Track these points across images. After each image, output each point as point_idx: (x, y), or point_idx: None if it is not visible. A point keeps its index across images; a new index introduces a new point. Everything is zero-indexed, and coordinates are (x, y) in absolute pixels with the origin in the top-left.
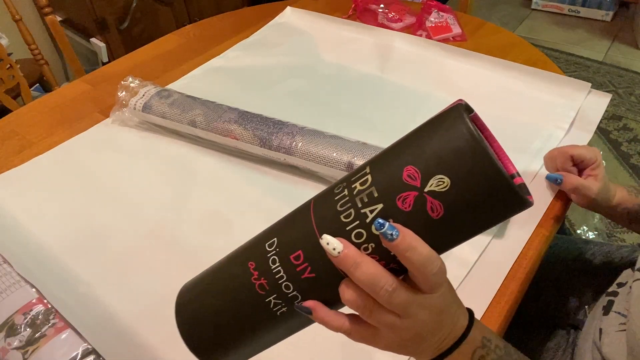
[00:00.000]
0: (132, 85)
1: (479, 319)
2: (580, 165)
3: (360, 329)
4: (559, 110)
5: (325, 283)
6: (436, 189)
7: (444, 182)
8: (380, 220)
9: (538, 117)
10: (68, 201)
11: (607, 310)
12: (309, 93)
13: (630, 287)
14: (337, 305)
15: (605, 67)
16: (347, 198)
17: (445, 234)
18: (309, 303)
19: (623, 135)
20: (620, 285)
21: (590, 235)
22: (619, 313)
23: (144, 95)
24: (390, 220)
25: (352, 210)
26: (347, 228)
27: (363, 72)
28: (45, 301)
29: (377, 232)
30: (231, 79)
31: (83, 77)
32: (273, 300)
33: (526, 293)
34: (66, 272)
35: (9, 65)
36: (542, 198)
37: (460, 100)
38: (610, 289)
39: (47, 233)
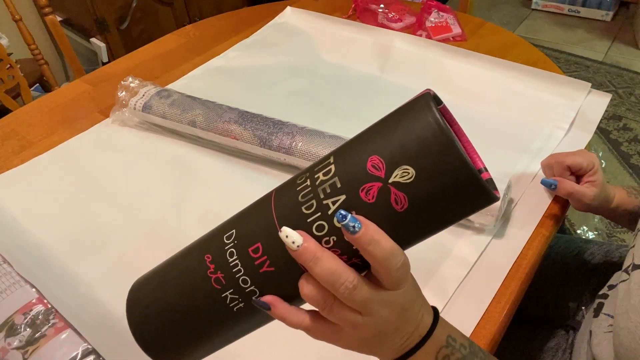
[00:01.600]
0: (132, 85)
1: (479, 319)
2: (578, 173)
3: (321, 326)
4: (559, 110)
5: (284, 277)
6: (401, 180)
7: (408, 172)
8: (343, 212)
9: (538, 117)
10: (68, 201)
11: (597, 312)
12: (309, 93)
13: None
14: (298, 300)
15: (605, 67)
16: (310, 189)
17: (409, 227)
18: (268, 298)
19: (623, 135)
20: (611, 287)
21: (591, 235)
22: (607, 315)
23: (144, 95)
24: (353, 212)
25: (313, 202)
26: (309, 220)
27: (363, 72)
28: (45, 301)
29: (339, 225)
30: (231, 79)
31: (83, 77)
32: (230, 296)
33: (526, 293)
34: (66, 272)
35: (9, 65)
36: (542, 198)
37: (428, 89)
38: (601, 292)
39: (47, 233)
